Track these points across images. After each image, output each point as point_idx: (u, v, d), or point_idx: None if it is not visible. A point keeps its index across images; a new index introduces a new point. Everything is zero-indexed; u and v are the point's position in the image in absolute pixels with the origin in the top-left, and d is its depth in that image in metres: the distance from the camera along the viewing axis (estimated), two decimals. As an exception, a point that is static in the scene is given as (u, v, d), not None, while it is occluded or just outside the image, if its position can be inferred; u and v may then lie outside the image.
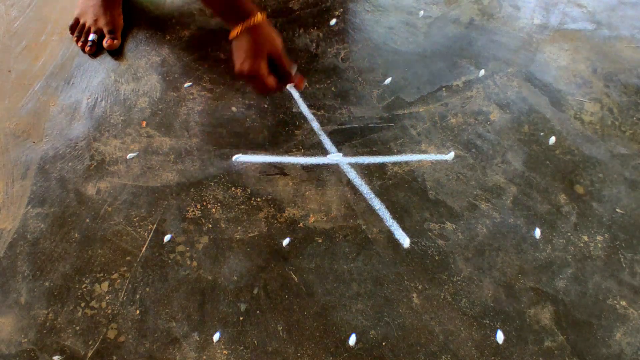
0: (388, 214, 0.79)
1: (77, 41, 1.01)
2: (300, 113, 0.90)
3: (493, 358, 0.66)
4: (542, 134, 0.86)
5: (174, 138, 0.88)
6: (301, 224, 0.78)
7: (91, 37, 0.99)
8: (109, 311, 0.72)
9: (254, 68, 0.72)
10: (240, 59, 0.73)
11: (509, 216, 0.78)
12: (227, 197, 0.81)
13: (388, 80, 0.93)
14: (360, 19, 1.03)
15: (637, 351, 0.66)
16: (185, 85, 0.95)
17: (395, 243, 0.76)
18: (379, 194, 0.80)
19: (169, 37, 1.02)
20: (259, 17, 0.73)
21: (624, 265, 0.73)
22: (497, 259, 0.74)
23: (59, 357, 0.69)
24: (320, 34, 1.01)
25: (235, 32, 0.74)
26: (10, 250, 0.77)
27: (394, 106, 0.90)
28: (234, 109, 0.91)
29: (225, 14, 0.75)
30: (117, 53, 1.00)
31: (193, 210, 0.80)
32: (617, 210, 0.78)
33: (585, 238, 0.75)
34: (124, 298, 0.73)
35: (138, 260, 0.76)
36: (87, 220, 0.80)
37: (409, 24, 1.02)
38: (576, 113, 0.88)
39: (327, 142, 0.87)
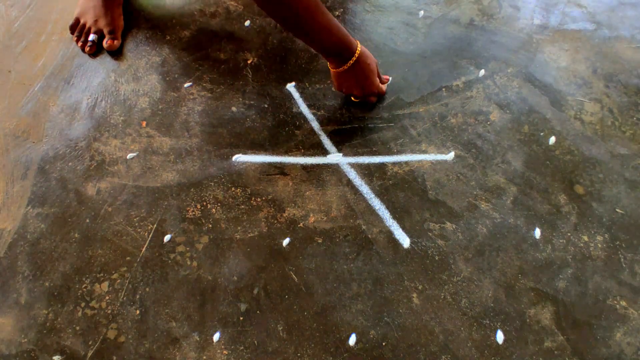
0: (388, 214, 0.79)
1: (77, 41, 1.01)
2: (300, 113, 0.90)
3: (493, 358, 0.66)
4: (542, 134, 0.86)
5: (174, 138, 0.88)
6: (301, 224, 0.78)
7: (91, 37, 0.99)
8: (109, 311, 0.72)
9: (378, 88, 0.87)
10: (360, 85, 0.84)
11: (509, 216, 0.78)
12: (227, 197, 0.81)
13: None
14: (360, 19, 1.03)
15: (637, 351, 0.66)
16: (185, 85, 0.95)
17: (395, 243, 0.76)
18: (379, 194, 0.80)
19: (169, 37, 1.02)
20: (359, 47, 0.81)
21: (624, 265, 0.73)
22: (497, 259, 0.74)
23: (59, 357, 0.69)
24: (320, 34, 1.01)
25: (342, 68, 0.81)
26: (10, 250, 0.77)
27: (394, 106, 0.90)
28: (234, 109, 0.91)
29: (331, 54, 0.81)
30: (117, 53, 1.00)
31: (193, 211, 0.80)
32: (617, 210, 0.78)
33: (585, 238, 0.75)
34: (124, 298, 0.73)
35: (138, 260, 0.76)
36: (87, 220, 0.80)
37: (409, 24, 1.02)
38: (576, 113, 0.88)
39: (327, 142, 0.87)
